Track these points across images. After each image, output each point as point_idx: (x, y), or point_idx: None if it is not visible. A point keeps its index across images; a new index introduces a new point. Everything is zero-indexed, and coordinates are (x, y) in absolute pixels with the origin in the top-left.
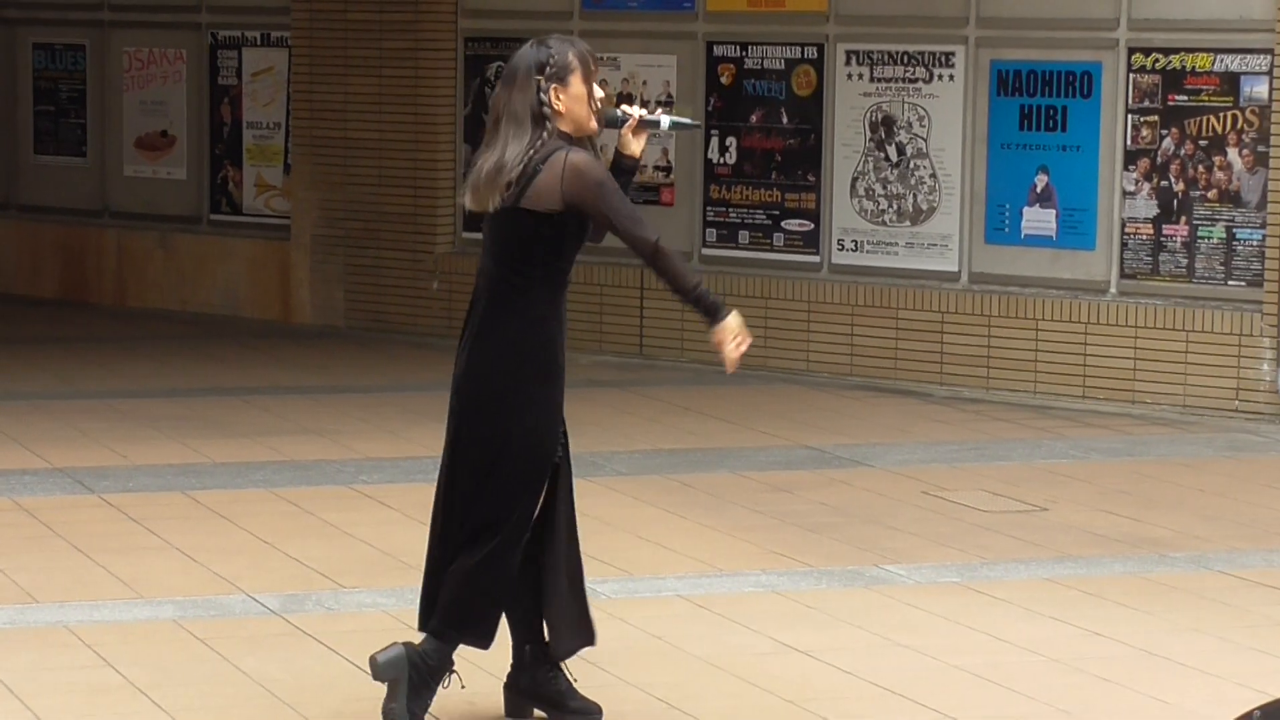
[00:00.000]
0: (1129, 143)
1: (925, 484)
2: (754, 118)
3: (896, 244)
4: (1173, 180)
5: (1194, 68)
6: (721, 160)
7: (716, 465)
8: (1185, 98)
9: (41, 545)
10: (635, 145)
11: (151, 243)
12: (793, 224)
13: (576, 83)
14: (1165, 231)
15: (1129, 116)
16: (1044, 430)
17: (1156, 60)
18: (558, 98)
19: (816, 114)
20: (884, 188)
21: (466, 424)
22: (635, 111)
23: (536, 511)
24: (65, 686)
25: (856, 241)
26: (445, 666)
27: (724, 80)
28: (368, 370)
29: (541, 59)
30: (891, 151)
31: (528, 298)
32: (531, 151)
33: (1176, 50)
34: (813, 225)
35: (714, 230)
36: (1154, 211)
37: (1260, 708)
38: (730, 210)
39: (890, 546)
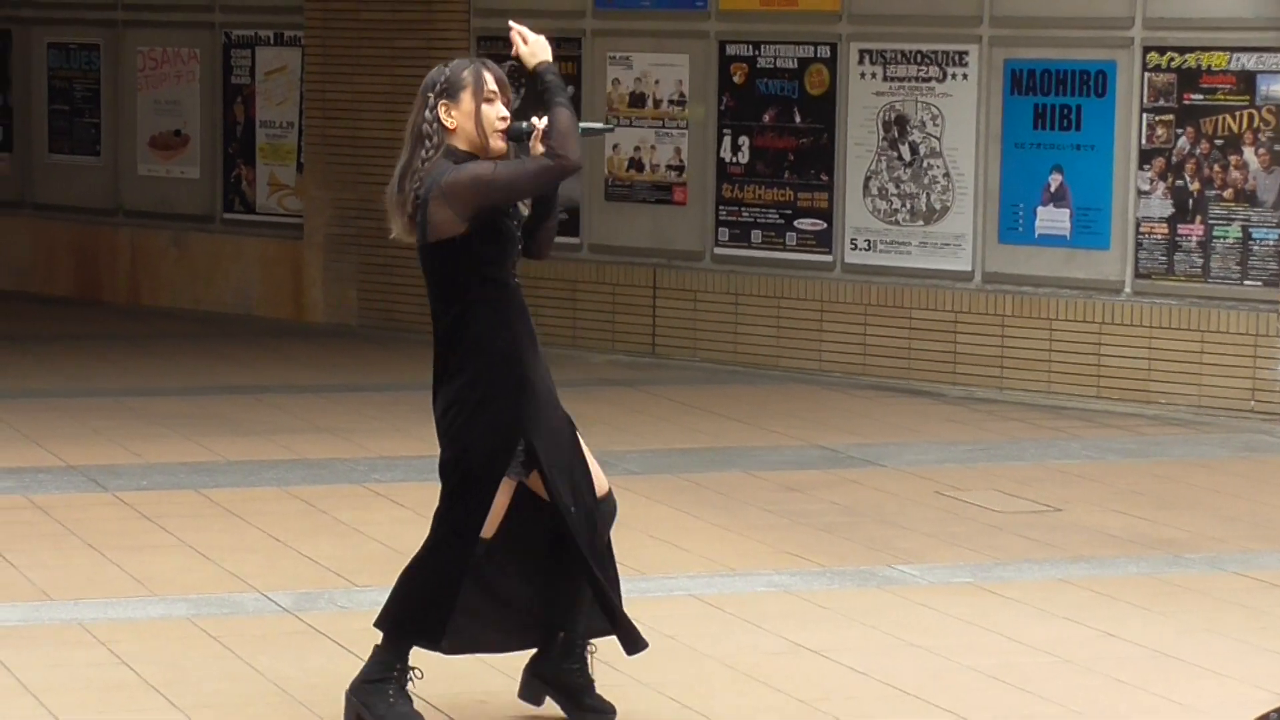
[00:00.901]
0: (1144, 142)
1: (938, 484)
2: (767, 117)
3: (910, 243)
4: (1188, 179)
5: (1209, 66)
6: (734, 159)
7: (729, 465)
8: (1200, 96)
9: (56, 543)
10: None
11: (165, 241)
12: (805, 223)
13: (466, 99)
14: (1180, 231)
15: (1144, 115)
16: (1058, 430)
17: (1171, 59)
18: (449, 114)
19: (829, 113)
20: (897, 187)
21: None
22: (540, 122)
23: (486, 525)
24: (79, 684)
25: (869, 241)
26: (390, 671)
27: (737, 79)
28: (380, 369)
29: (436, 77)
30: (905, 151)
31: (477, 323)
32: (414, 179)
33: (1191, 49)
34: (825, 224)
35: (726, 229)
36: (1169, 211)
37: (1278, 710)
38: (743, 209)
39: (903, 546)
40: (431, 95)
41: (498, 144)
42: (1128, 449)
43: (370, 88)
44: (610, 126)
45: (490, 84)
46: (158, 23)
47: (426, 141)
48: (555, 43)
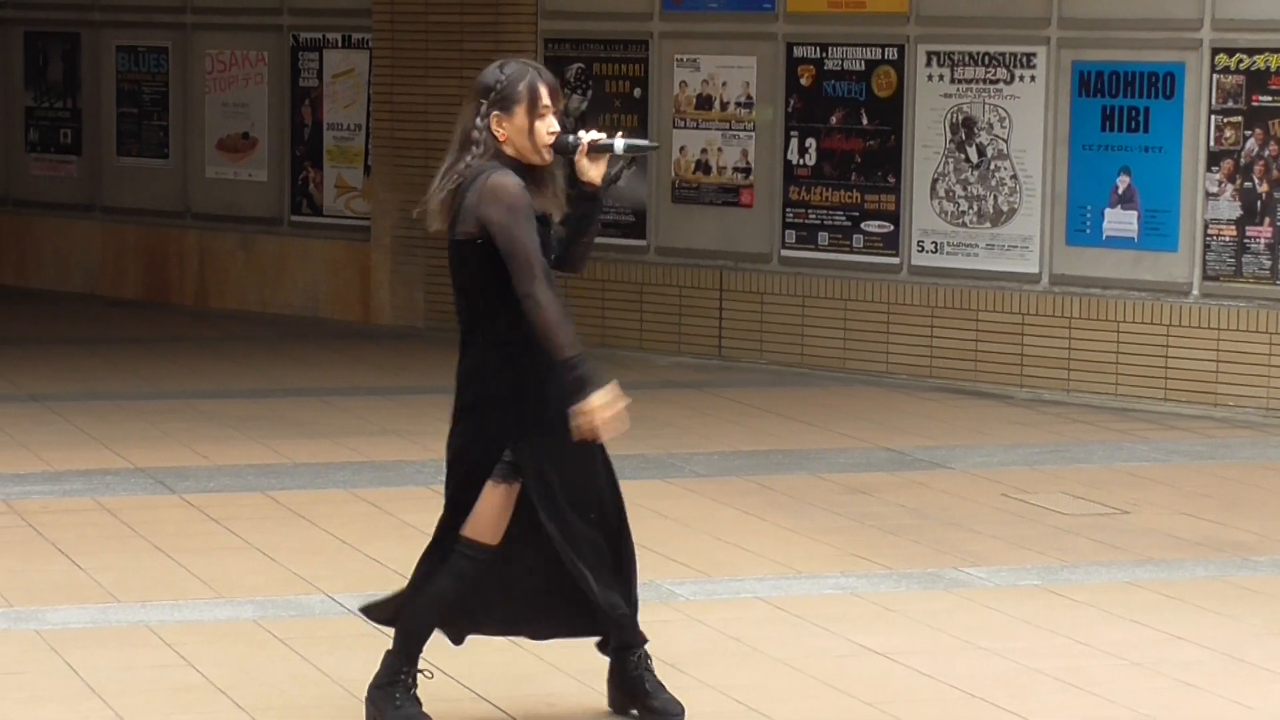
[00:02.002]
0: (1212, 144)
1: (1005, 486)
2: (834, 119)
3: (977, 245)
4: (1256, 181)
5: (1278, 68)
6: (801, 162)
7: (795, 467)
8: (1269, 98)
9: (123, 545)
10: (592, 171)
11: (233, 244)
12: (872, 225)
13: (520, 114)
14: (1248, 233)
15: (1212, 117)
16: (1125, 433)
17: (1240, 60)
18: (500, 125)
19: (896, 115)
20: (964, 189)
21: None
22: (586, 136)
23: (490, 532)
24: (147, 685)
25: (936, 243)
26: (398, 675)
27: (804, 81)
28: (447, 371)
29: (489, 82)
30: (972, 153)
31: (489, 327)
32: (457, 176)
33: (1261, 50)
34: (892, 227)
35: (793, 232)
36: (1237, 213)
37: None
38: (810, 212)
39: (970, 549)
40: (485, 103)
41: (539, 157)
42: (1196, 451)
43: (438, 90)
44: (655, 145)
45: (545, 98)
46: (226, 25)
47: (475, 148)
48: (622, 45)
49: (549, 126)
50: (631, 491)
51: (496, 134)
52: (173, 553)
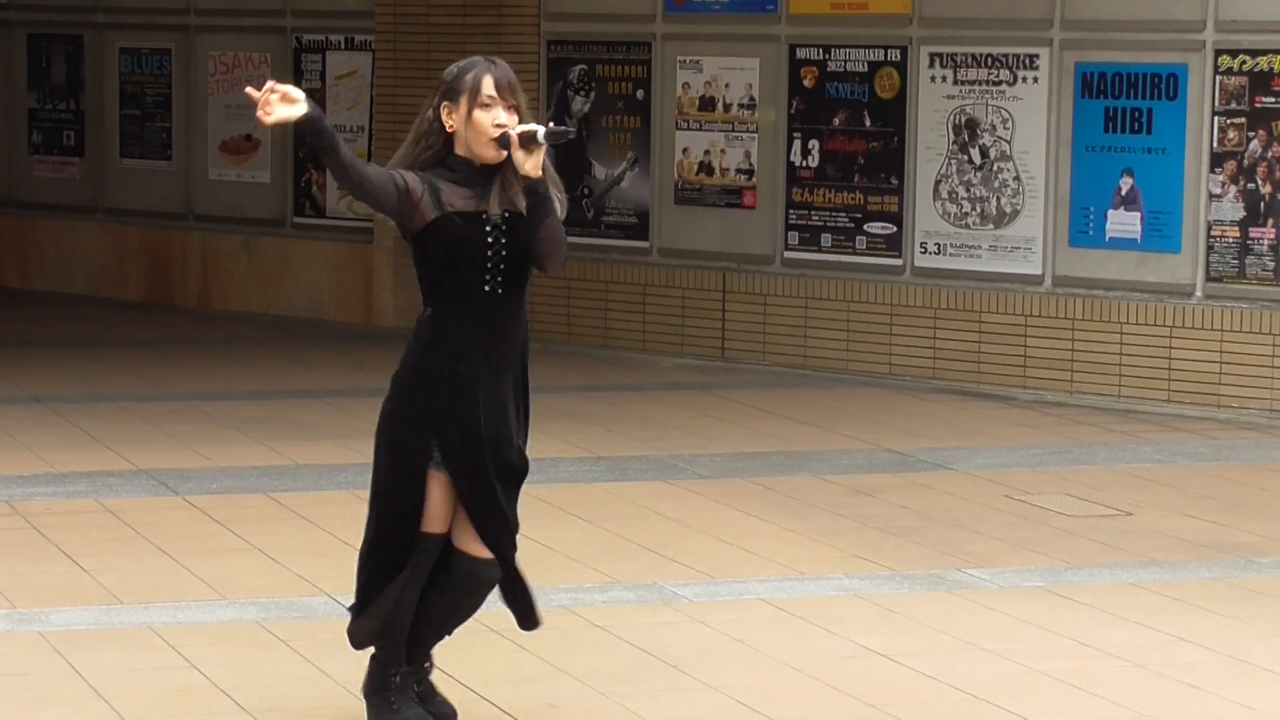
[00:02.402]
0: (1215, 145)
1: (1008, 488)
2: (837, 120)
3: (980, 247)
4: (1259, 183)
5: None
6: (804, 163)
7: (798, 469)
8: (1273, 99)
9: (126, 547)
10: (528, 164)
11: (236, 246)
12: (875, 227)
13: (464, 104)
14: (1252, 234)
15: (1215, 119)
16: (1128, 434)
17: (1243, 62)
18: (450, 116)
19: (899, 117)
20: (967, 190)
21: None
22: (514, 130)
23: (425, 519)
24: (150, 687)
25: (939, 244)
26: (389, 677)
27: (807, 83)
28: None
29: (444, 75)
30: (975, 154)
31: (425, 325)
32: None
33: (1264, 52)
34: (895, 228)
35: (796, 233)
36: (1240, 214)
37: None
38: (813, 213)
39: (973, 551)
40: (436, 95)
41: (488, 153)
42: (1199, 453)
43: None
44: (571, 130)
45: (488, 89)
46: (229, 27)
47: (423, 140)
48: (625, 47)
49: (493, 119)
50: (634, 493)
51: (446, 125)
52: (176, 554)
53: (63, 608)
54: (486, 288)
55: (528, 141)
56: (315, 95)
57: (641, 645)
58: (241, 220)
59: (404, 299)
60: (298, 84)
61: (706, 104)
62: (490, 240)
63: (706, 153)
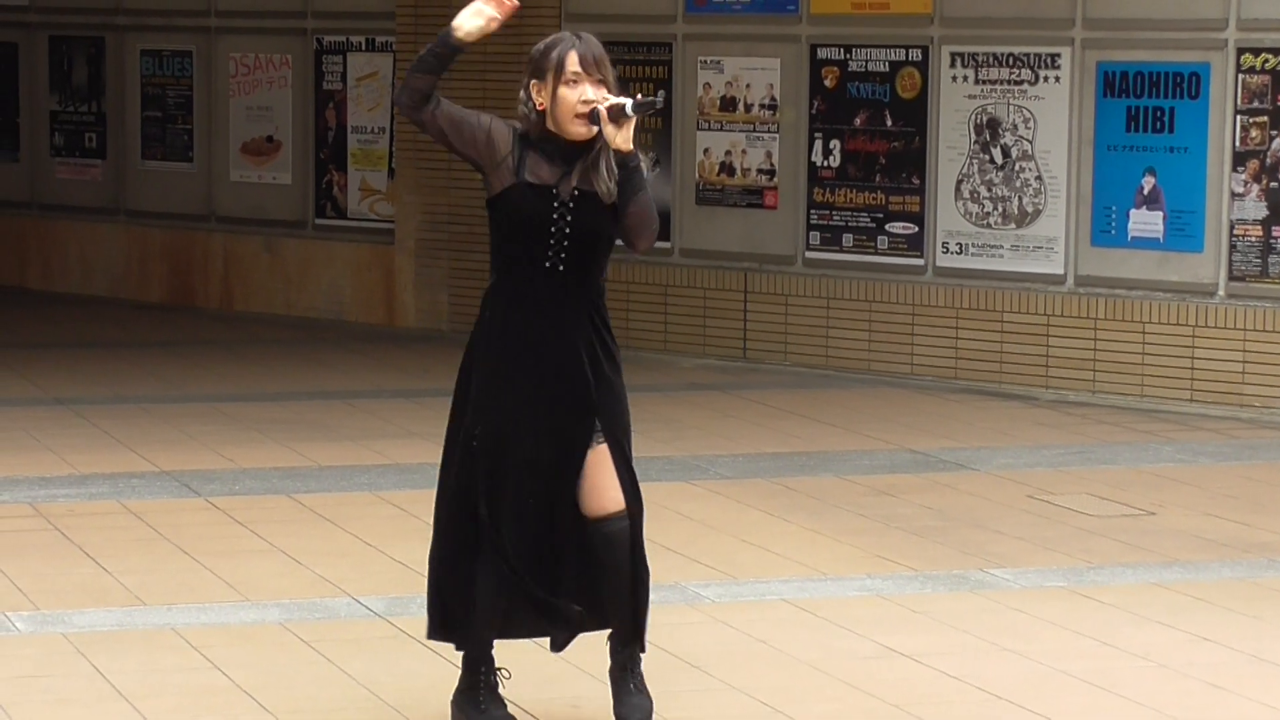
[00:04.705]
0: (1238, 144)
1: (1031, 488)
2: (858, 120)
3: (1002, 246)
4: None
5: None
6: (825, 163)
7: (820, 469)
8: None
9: (148, 548)
10: (619, 138)
11: (257, 247)
12: (897, 227)
13: (550, 81)
14: (1274, 233)
15: (1237, 117)
16: (1151, 434)
17: (1266, 60)
18: (538, 94)
19: (921, 116)
20: (989, 190)
21: None
22: (603, 105)
23: (480, 503)
24: (172, 688)
25: (961, 244)
26: (477, 676)
27: (828, 83)
28: None
29: (531, 52)
30: (997, 154)
31: (485, 297)
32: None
33: None
34: (917, 228)
35: (817, 233)
36: (1263, 213)
37: None
38: (834, 213)
39: (995, 550)
40: (526, 73)
41: (576, 129)
42: (1222, 452)
43: (461, 92)
44: (658, 100)
45: (573, 65)
46: (250, 29)
47: (522, 121)
48: (646, 47)
49: (580, 95)
50: (656, 493)
51: (536, 102)
52: (198, 555)
53: (85, 609)
54: (547, 264)
55: (616, 115)
56: (336, 97)
57: (664, 645)
58: (263, 222)
59: (426, 300)
60: (318, 86)
61: (728, 104)
62: (556, 217)
63: (728, 153)
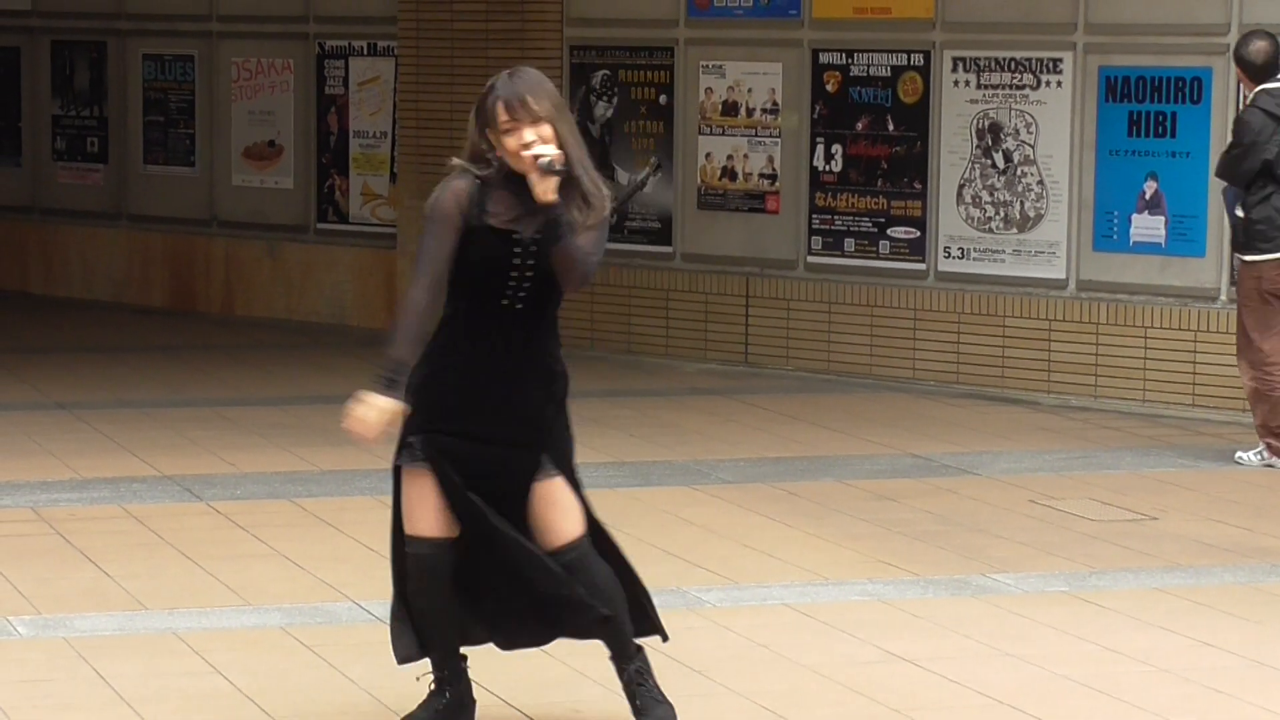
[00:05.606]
0: None
1: (1033, 493)
2: (860, 125)
3: (1003, 251)
4: None
5: None
6: (827, 168)
7: (822, 473)
8: None
9: (150, 552)
10: (539, 189)
11: (259, 252)
12: (899, 231)
13: (491, 133)
14: None
15: None
16: (1153, 439)
17: None
18: (495, 139)
19: (923, 121)
20: (991, 195)
21: None
22: (544, 158)
23: (420, 522)
24: (174, 693)
25: (963, 249)
26: (441, 684)
27: (830, 88)
28: None
29: (480, 101)
30: (998, 158)
31: (443, 327)
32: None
33: None
34: (919, 233)
35: (819, 238)
36: None
37: None
38: (836, 218)
39: (997, 555)
40: (477, 120)
41: (536, 181)
42: (1224, 457)
43: (464, 98)
44: (564, 170)
45: (501, 115)
46: (252, 34)
47: (478, 164)
48: (648, 52)
49: (519, 141)
50: (658, 498)
51: (496, 150)
52: (200, 560)
53: (87, 614)
54: (504, 302)
55: (545, 168)
56: (338, 101)
57: (665, 650)
58: (265, 226)
59: None
60: (320, 90)
61: (729, 109)
62: (517, 261)
63: (729, 157)
